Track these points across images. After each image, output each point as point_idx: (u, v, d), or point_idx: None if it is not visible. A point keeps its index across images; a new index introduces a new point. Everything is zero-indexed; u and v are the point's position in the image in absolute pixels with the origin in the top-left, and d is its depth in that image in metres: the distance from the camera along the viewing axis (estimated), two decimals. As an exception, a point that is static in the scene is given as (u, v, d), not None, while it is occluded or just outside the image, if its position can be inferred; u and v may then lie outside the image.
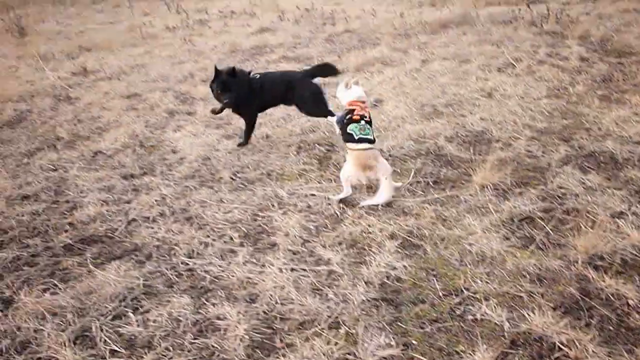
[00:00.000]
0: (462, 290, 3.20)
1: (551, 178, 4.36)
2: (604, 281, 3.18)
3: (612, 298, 3.07)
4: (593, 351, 2.69)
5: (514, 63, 7.34)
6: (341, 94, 4.50)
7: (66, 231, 4.20)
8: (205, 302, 3.27)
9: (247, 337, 2.96)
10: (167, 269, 3.62)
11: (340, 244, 3.74)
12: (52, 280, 3.59)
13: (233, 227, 4.05)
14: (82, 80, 8.49)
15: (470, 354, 2.73)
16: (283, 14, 11.95)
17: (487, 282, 3.25)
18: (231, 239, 3.91)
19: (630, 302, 3.02)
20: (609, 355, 2.68)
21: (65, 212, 4.49)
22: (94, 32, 12.37)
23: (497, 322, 2.94)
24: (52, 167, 5.37)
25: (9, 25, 12.43)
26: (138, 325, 3.11)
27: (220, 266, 3.60)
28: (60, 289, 3.48)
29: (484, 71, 7.09)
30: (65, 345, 2.97)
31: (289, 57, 8.70)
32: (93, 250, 3.92)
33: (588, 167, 4.57)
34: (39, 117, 6.85)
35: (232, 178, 4.78)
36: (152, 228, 4.13)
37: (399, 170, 4.68)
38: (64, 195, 4.77)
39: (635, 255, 3.41)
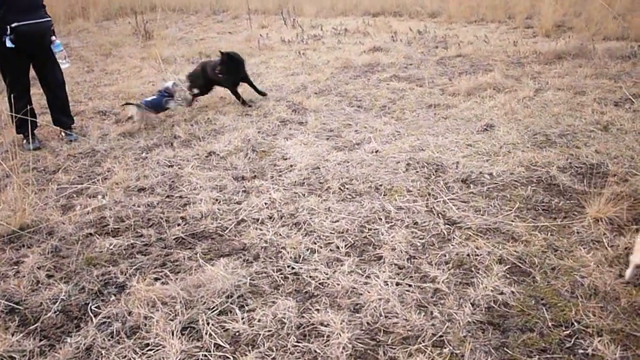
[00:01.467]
0: (572, 323, 3.11)
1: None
2: None
3: None
4: None
5: (632, 99, 7.01)
6: None
7: (179, 225, 4.45)
8: (309, 307, 3.36)
9: (349, 345, 3.02)
10: (273, 271, 3.75)
11: (446, 263, 3.73)
12: (163, 270, 3.82)
13: (340, 236, 4.13)
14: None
15: (580, 388, 2.65)
16: (396, 35, 12.02)
17: (600, 317, 3.13)
18: (337, 247, 3.99)
19: None
20: None
21: (179, 207, 4.75)
22: (214, 40, 12.98)
23: (609, 359, 2.83)
24: (168, 163, 5.71)
25: (136, 29, 13.31)
26: (243, 323, 3.24)
27: (325, 273, 3.69)
28: (170, 279, 3.69)
29: (600, 104, 6.82)
30: (173, 335, 3.15)
31: (400, 76, 8.76)
32: (203, 245, 4.13)
33: None
34: (158, 116, 7.28)
35: (340, 188, 4.88)
36: (261, 230, 4.29)
37: (508, 196, 4.60)
38: (178, 191, 5.05)
39: None
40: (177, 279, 3.70)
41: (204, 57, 10.87)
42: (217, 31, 14.39)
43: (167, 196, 4.98)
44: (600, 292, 3.36)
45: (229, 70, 7.15)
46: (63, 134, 6.62)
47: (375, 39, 11.85)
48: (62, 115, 6.65)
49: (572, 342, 2.97)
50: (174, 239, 4.25)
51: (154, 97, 7.01)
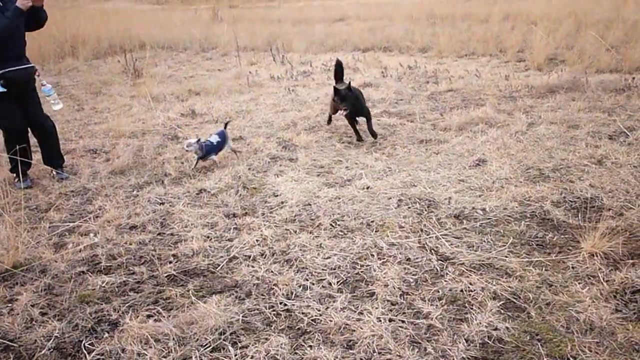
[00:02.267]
0: (568, 359, 3.06)
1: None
2: None
3: None
4: None
5: (627, 132, 7.05)
6: None
7: (170, 262, 4.40)
8: (302, 343, 3.31)
9: (343, 382, 2.96)
10: (265, 308, 3.70)
11: (440, 299, 3.69)
12: (156, 307, 3.77)
13: (332, 272, 4.09)
14: (190, 122, 8.97)
15: None
16: (386, 70, 12.15)
17: (596, 353, 3.08)
18: (330, 284, 3.95)
19: None
20: None
21: (170, 244, 4.71)
22: (203, 77, 13.05)
23: (607, 396, 2.77)
24: (159, 200, 5.67)
25: (125, 67, 13.41)
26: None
27: (318, 310, 3.64)
28: (163, 316, 3.64)
29: (594, 138, 6.85)
30: (166, 372, 3.09)
31: (390, 112, 8.81)
32: (195, 282, 4.08)
33: None
34: (148, 154, 7.28)
35: (332, 225, 4.85)
36: (253, 267, 4.24)
37: (501, 232, 4.58)
38: (169, 228, 5.02)
39: None
40: (169, 316, 3.65)
41: (193, 95, 10.97)
42: (206, 69, 14.49)
43: (159, 234, 4.94)
44: (596, 327, 3.32)
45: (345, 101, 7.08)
46: (54, 172, 6.61)
47: (365, 74, 11.97)
48: (52, 154, 6.67)
49: (568, 379, 2.92)
50: (166, 276, 4.20)
51: (213, 139, 6.73)
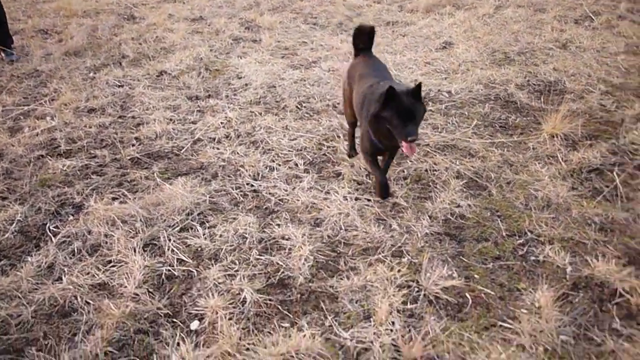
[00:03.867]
0: (525, 233, 3.20)
1: (624, 133, 4.22)
2: (673, 236, 3.12)
3: (681, 253, 3.02)
4: (657, 300, 2.68)
5: (592, 16, 7.01)
6: None
7: (133, 145, 4.33)
8: (270, 222, 3.36)
9: (311, 257, 3.05)
10: (232, 189, 3.71)
11: (405, 178, 3.76)
12: (120, 190, 3.73)
13: (298, 154, 4.10)
14: (146, 1, 8.54)
15: (531, 292, 2.75)
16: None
17: (551, 227, 3.23)
18: (296, 165, 3.97)
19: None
20: (673, 305, 2.66)
21: (132, 127, 4.61)
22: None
23: (559, 265, 2.94)
24: (118, 83, 5.48)
25: None
26: (205, 238, 3.24)
27: (285, 190, 3.67)
28: (129, 198, 3.62)
29: (560, 22, 6.81)
30: (135, 251, 3.12)
31: None
32: (160, 165, 4.04)
33: (664, 125, 4.40)
34: (103, 34, 6.94)
35: (297, 107, 4.80)
36: (218, 149, 4.21)
37: (466, 114, 4.61)
38: (130, 111, 4.89)
39: None
40: (135, 198, 3.63)
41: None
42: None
43: (120, 117, 4.81)
44: (553, 204, 3.45)
45: None
46: (3, 53, 6.25)
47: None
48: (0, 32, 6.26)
49: (524, 250, 3.07)
50: (129, 159, 4.14)
51: None
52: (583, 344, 2.48)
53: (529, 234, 3.18)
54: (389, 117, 3.04)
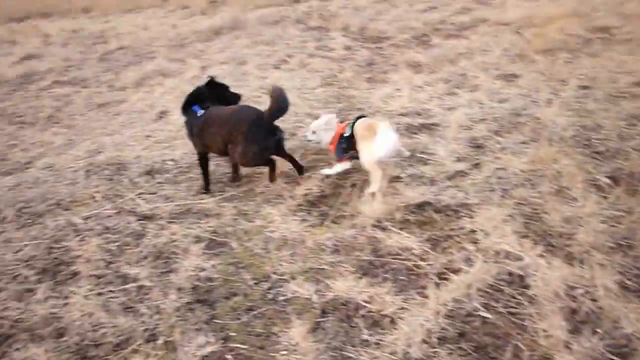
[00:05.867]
0: (270, 276, 3.34)
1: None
2: (390, 238, 3.53)
3: (400, 252, 3.42)
4: (391, 301, 3.00)
5: (287, 59, 7.71)
6: (319, 135, 4.25)
7: None
8: (7, 349, 3.01)
9: (60, 374, 2.80)
10: (-45, 326, 3.24)
11: (145, 257, 3.67)
12: None
13: (26, 265, 3.75)
14: None
15: (286, 331, 2.87)
16: (48, 37, 11.17)
17: (291, 263, 3.43)
18: (26, 278, 3.62)
19: (415, 251, 3.40)
20: (404, 301, 2.99)
21: None
22: None
23: (306, 297, 3.13)
24: None
25: None
26: None
27: (18, 308, 3.33)
28: None
29: (261, 70, 7.36)
30: None
31: (62, 81, 8.21)
32: None
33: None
34: None
35: (17, 215, 4.39)
36: None
37: (193, 176, 4.68)
38: None
39: (412, 212, 3.83)
40: None
41: None
42: None
43: None
44: (289, 240, 3.67)
45: None
46: None
47: (26, 46, 10.84)
48: None
49: (273, 293, 3.20)
50: None
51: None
52: (341, 364, 2.66)
53: (273, 276, 3.34)
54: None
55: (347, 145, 4.07)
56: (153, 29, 10.88)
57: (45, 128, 6.37)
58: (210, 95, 4.54)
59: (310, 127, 4.30)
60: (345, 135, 4.07)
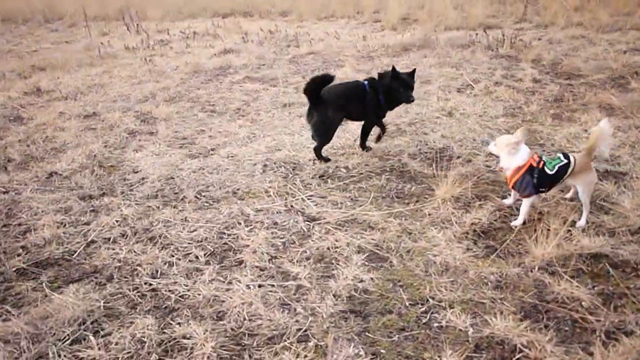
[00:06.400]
0: (427, 300, 3.23)
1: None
2: (559, 285, 3.26)
3: (567, 301, 3.15)
4: (551, 351, 2.77)
5: (472, 84, 7.51)
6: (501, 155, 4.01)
7: (19, 255, 4.05)
8: (170, 321, 3.21)
9: (214, 354, 2.93)
10: (129, 290, 3.54)
11: (307, 259, 3.74)
12: (4, 306, 3.45)
13: (198, 245, 4.00)
14: (35, 100, 8.26)
15: (436, 359, 2.76)
16: (246, 35, 12.01)
17: (451, 291, 3.29)
18: (197, 257, 3.86)
19: (584, 303, 3.11)
20: (565, 353, 2.75)
21: (18, 235, 4.34)
22: (48, 51, 12.10)
23: (461, 328, 2.98)
24: (2, 189, 5.18)
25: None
26: (99, 349, 3.03)
27: (185, 285, 3.55)
28: (13, 315, 3.35)
29: (444, 92, 7.24)
30: (21, 373, 2.88)
31: (253, 77, 8.75)
32: (49, 273, 3.80)
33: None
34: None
35: (196, 197, 4.73)
36: (113, 249, 4.04)
37: (364, 187, 4.72)
38: (16, 218, 4.61)
39: (587, 260, 3.51)
40: (20, 313, 3.37)
41: (37, 71, 10.13)
42: (51, 41, 13.44)
43: (4, 225, 4.52)
44: (451, 267, 3.53)
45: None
46: None
47: (225, 41, 11.75)
48: None
49: (428, 318, 3.09)
50: (15, 271, 3.86)
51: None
52: (490, 408, 2.48)
53: (430, 300, 3.22)
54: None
55: (540, 182, 3.84)
56: (344, 39, 11.20)
57: (232, 119, 6.81)
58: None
59: (497, 140, 4.08)
60: (549, 173, 3.84)
